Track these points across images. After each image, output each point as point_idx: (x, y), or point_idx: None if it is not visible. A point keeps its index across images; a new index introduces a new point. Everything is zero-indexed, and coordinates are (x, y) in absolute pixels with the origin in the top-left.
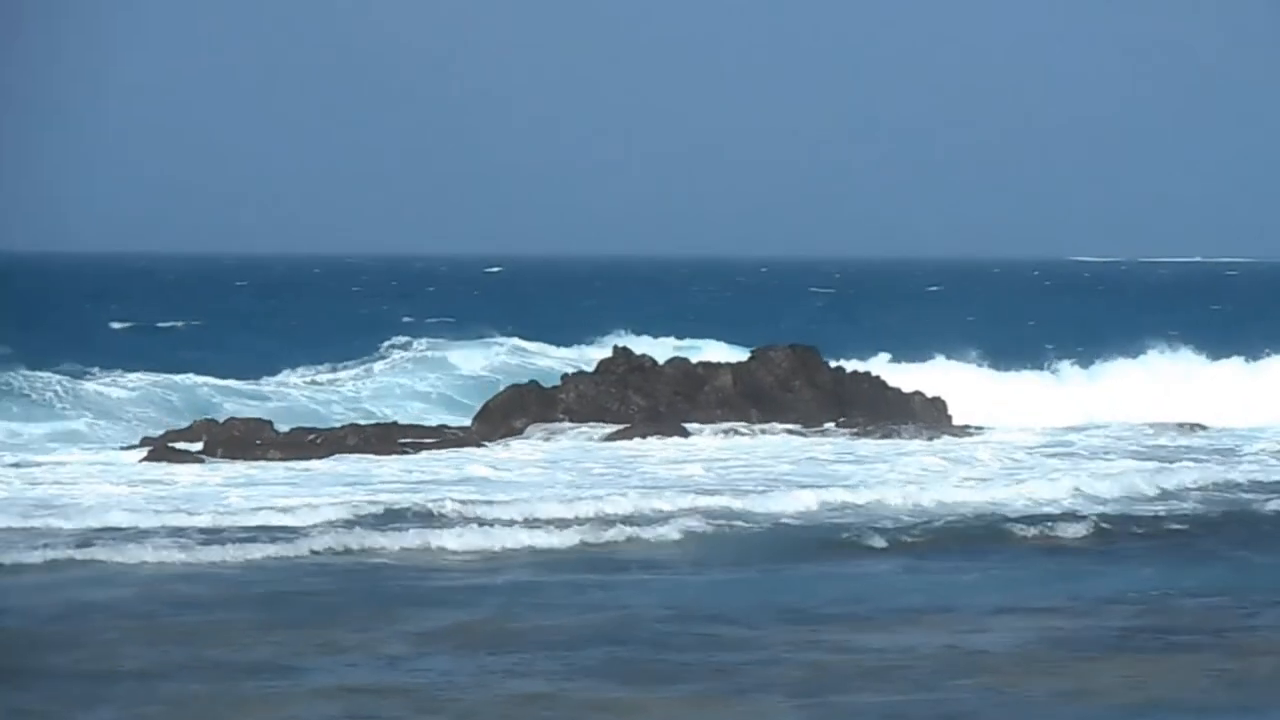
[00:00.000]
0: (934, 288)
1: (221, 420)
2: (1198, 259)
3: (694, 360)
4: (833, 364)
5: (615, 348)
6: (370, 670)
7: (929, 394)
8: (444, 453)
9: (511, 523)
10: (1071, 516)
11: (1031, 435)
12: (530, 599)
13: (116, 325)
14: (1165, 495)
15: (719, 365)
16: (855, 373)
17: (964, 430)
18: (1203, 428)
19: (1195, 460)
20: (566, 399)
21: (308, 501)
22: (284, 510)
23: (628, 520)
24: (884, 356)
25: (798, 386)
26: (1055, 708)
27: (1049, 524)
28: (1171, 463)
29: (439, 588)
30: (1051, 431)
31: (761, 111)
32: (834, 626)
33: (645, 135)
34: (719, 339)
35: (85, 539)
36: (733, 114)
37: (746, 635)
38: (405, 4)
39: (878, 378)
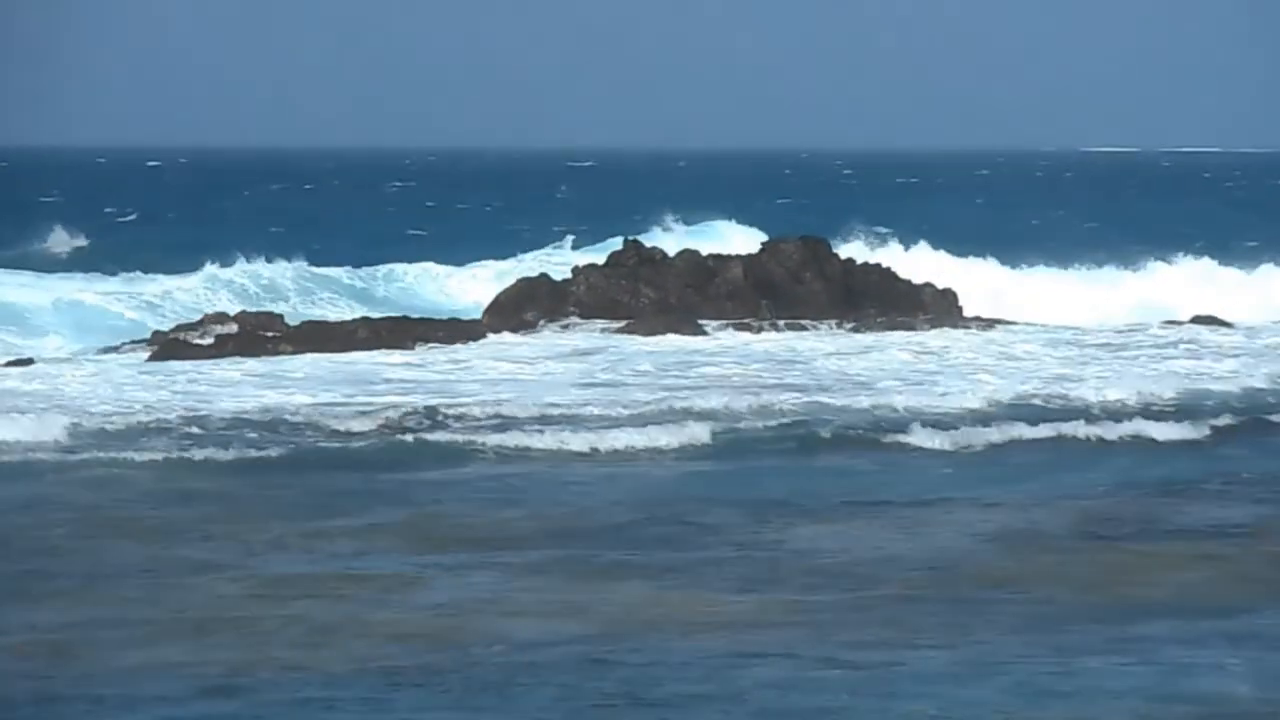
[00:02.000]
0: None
1: (232, 314)
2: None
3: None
4: (843, 255)
5: (625, 239)
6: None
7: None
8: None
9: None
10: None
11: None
12: None
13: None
14: None
15: (729, 257)
16: (865, 264)
17: (976, 322)
18: (1226, 324)
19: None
20: (577, 291)
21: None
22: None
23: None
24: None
25: (808, 278)
26: None
27: None
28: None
29: None
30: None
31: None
32: None
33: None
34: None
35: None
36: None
37: None
38: None
39: (888, 269)
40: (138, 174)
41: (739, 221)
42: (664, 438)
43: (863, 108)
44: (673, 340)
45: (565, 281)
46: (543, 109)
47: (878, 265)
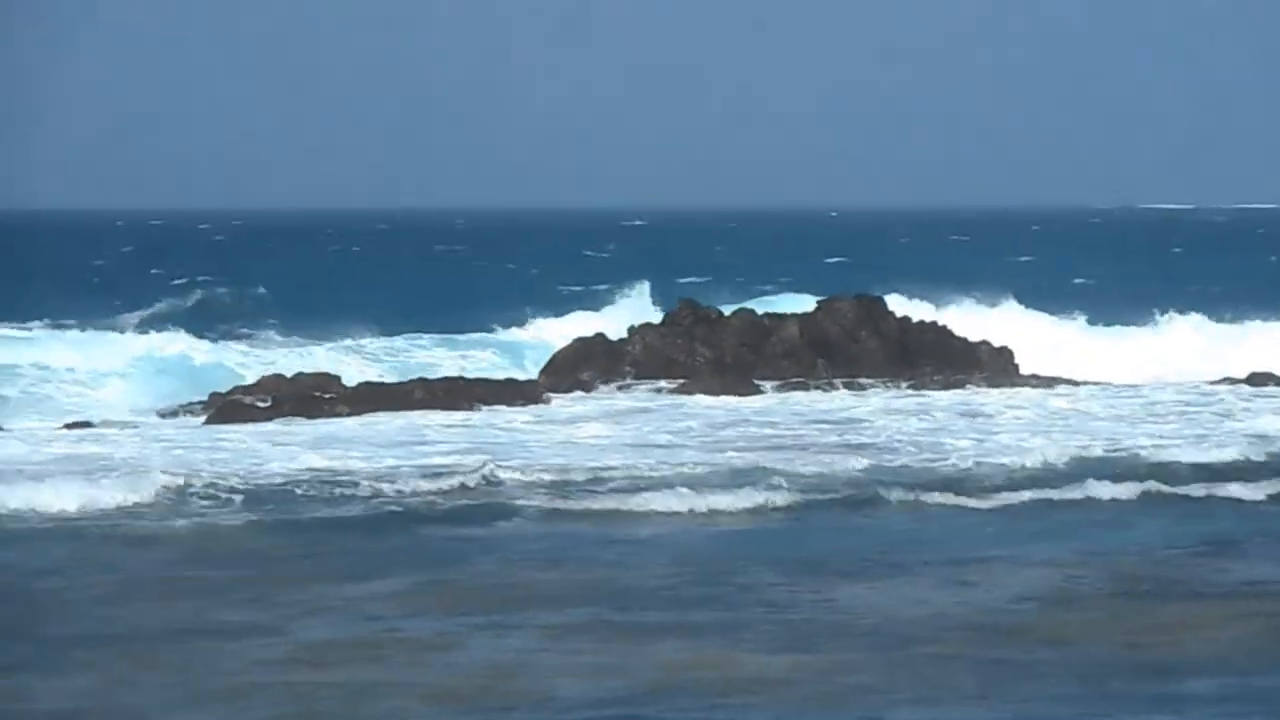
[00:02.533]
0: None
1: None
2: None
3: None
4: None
5: (681, 300)
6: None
7: (995, 343)
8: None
9: None
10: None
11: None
12: None
13: None
14: None
15: (785, 316)
16: (921, 322)
17: (1034, 380)
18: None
19: None
20: (633, 351)
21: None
22: None
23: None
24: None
25: (864, 337)
26: None
27: None
28: None
29: None
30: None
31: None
32: None
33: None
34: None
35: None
36: (769, 62)
37: None
38: None
39: (944, 327)
40: (194, 237)
41: (794, 290)
42: (714, 498)
43: (904, 165)
44: (728, 400)
45: (621, 341)
46: (591, 168)
47: (933, 323)
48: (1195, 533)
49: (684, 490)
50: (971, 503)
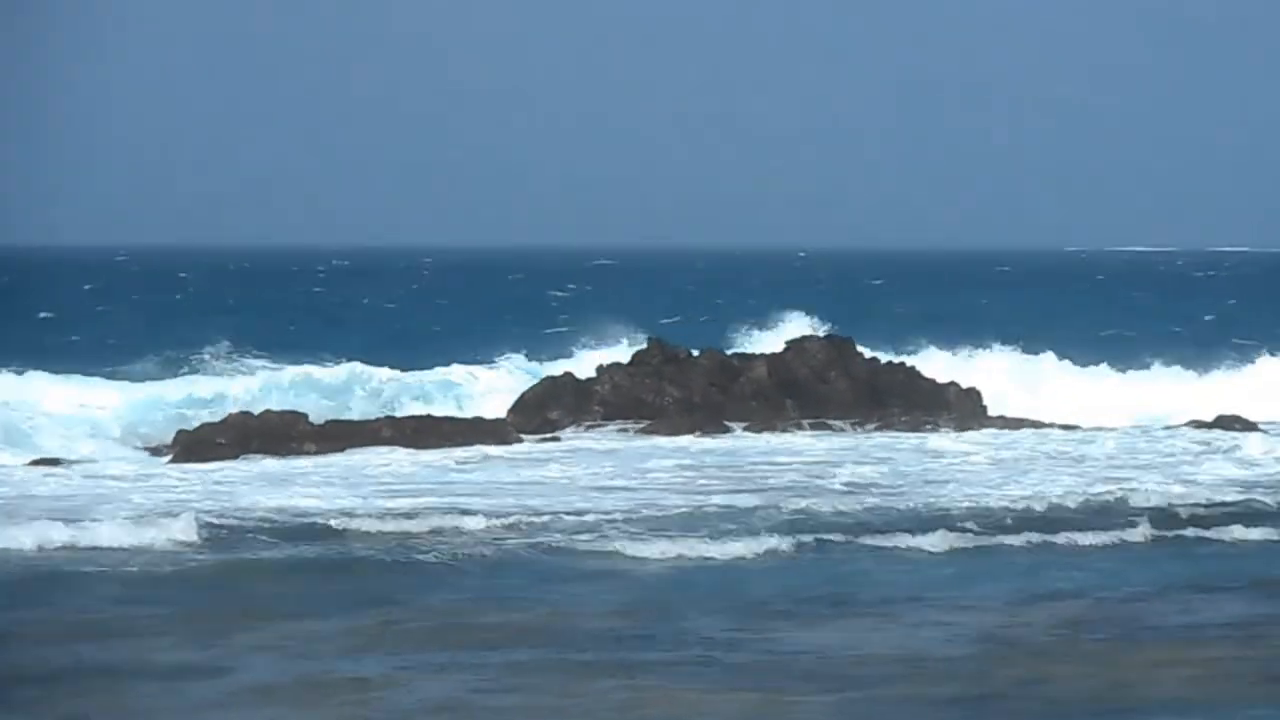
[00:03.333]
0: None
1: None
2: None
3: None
4: (868, 354)
5: (650, 339)
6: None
7: (964, 384)
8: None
9: None
10: None
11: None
12: None
13: None
14: None
15: (754, 356)
16: (890, 363)
17: (1000, 422)
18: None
19: None
20: (601, 390)
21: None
22: None
23: None
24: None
25: (833, 377)
26: None
27: None
28: None
29: None
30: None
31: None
32: None
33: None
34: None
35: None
36: (762, 100)
37: None
38: None
39: (912, 368)
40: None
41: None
42: (663, 542)
43: (869, 206)
44: (695, 441)
45: (589, 380)
46: (551, 207)
47: (902, 364)
48: (1150, 573)
49: (635, 531)
50: (920, 543)
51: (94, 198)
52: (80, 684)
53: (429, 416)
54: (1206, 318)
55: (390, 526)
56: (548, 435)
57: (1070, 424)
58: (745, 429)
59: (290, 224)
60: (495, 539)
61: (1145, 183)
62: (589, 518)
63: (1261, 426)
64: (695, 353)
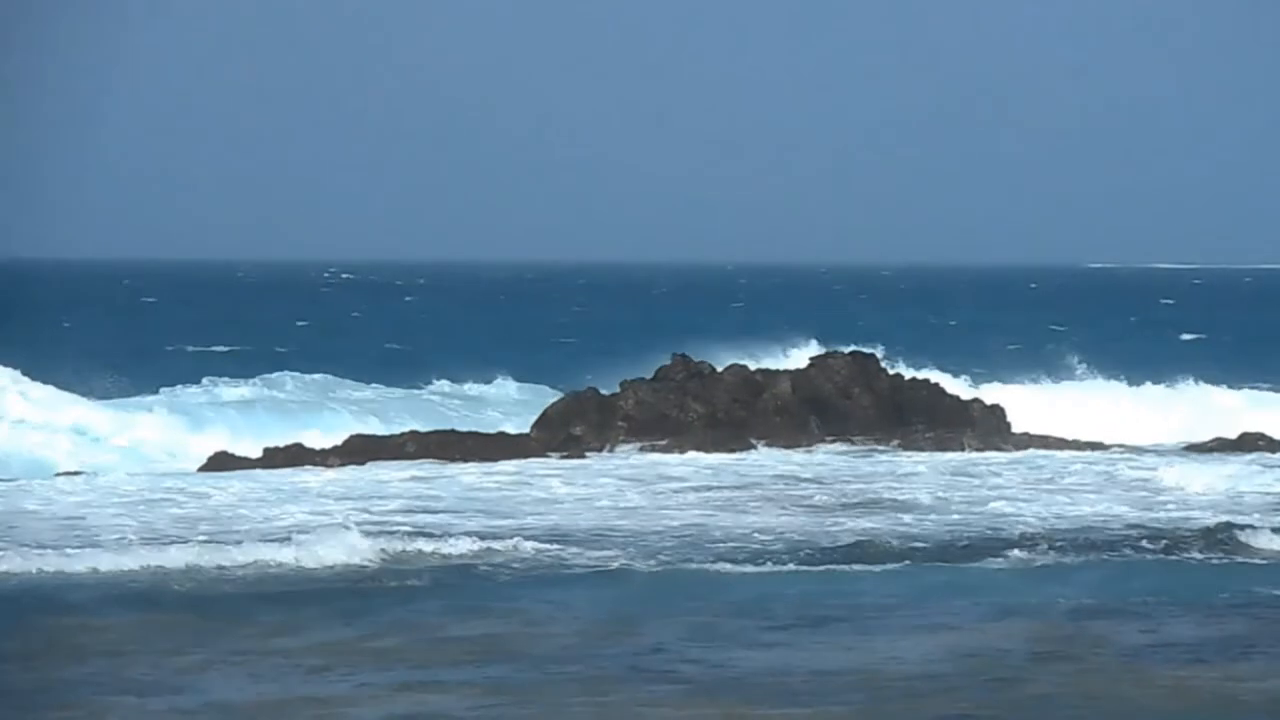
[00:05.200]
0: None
1: None
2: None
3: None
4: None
5: (674, 355)
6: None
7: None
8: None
9: None
10: None
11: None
12: None
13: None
14: None
15: (778, 372)
16: (914, 380)
17: (1024, 439)
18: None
19: None
20: (625, 406)
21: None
22: None
23: None
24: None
25: (856, 394)
26: None
27: None
28: None
29: None
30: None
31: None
32: None
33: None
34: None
35: None
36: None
37: None
38: None
39: (936, 385)
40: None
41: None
42: (644, 559)
43: (852, 222)
44: (716, 458)
45: (613, 396)
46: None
47: (926, 380)
48: (1129, 592)
49: (609, 549)
50: (888, 565)
51: (93, 212)
52: (44, 697)
53: (453, 431)
54: None
55: (371, 544)
56: (571, 452)
57: (1096, 441)
58: (766, 445)
59: (290, 238)
60: (475, 555)
61: (1174, 198)
62: (565, 531)
63: None
64: (719, 368)
